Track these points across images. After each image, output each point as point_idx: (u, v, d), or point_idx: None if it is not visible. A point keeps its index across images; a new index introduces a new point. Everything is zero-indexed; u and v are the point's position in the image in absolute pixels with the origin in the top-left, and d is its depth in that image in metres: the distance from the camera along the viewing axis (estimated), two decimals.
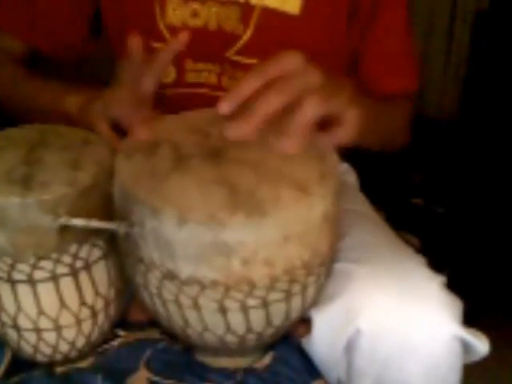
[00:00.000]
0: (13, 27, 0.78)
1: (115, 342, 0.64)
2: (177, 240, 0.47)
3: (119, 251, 0.55)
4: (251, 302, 0.50)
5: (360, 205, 0.76)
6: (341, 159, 0.85)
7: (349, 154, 0.77)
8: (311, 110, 0.46)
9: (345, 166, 0.87)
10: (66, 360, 0.61)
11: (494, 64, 1.65)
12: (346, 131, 0.50)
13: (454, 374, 0.58)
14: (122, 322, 0.65)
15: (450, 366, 0.57)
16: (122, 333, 0.65)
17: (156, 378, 0.60)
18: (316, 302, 0.58)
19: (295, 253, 0.49)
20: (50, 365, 0.61)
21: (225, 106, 0.46)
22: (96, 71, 0.84)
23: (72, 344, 0.59)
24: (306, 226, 0.48)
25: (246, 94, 0.46)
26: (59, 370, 0.61)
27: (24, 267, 0.53)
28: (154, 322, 0.65)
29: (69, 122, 0.64)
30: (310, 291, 0.54)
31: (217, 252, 0.47)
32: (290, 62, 0.48)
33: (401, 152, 0.81)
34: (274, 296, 0.50)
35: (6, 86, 0.77)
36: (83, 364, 0.62)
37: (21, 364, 0.62)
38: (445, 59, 1.81)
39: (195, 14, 0.71)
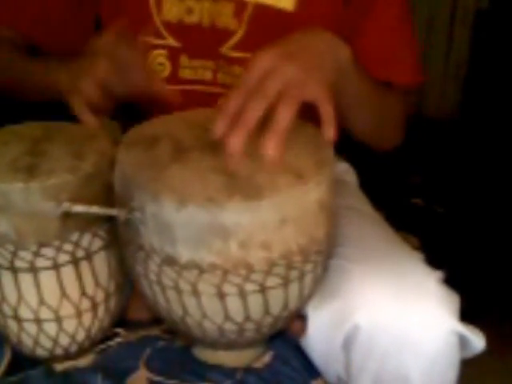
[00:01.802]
0: (9, 19, 0.76)
1: (115, 341, 0.64)
2: (176, 224, 0.48)
3: (119, 242, 0.56)
4: (249, 286, 0.50)
5: (359, 203, 0.76)
6: (341, 159, 0.85)
7: (349, 153, 0.78)
8: (284, 115, 0.49)
9: (345, 166, 0.87)
10: (66, 356, 0.61)
11: (494, 64, 1.66)
12: (325, 109, 0.51)
13: (452, 369, 0.58)
14: (121, 320, 0.65)
15: (448, 360, 0.57)
16: (121, 332, 0.65)
17: (156, 378, 0.61)
18: (314, 294, 0.58)
19: (291, 237, 0.49)
20: (50, 363, 0.61)
21: (219, 128, 0.51)
22: None
23: (72, 337, 0.59)
24: (301, 211, 0.49)
25: (233, 111, 0.51)
26: (59, 368, 0.62)
27: (26, 255, 0.53)
28: (153, 321, 0.65)
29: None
30: (308, 280, 0.54)
31: (215, 235, 0.47)
32: (264, 63, 0.52)
33: (400, 152, 0.81)
34: (271, 281, 0.51)
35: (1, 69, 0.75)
36: (83, 363, 0.62)
37: (21, 363, 0.62)
38: (445, 59, 1.82)
39: (190, 11, 0.72)
